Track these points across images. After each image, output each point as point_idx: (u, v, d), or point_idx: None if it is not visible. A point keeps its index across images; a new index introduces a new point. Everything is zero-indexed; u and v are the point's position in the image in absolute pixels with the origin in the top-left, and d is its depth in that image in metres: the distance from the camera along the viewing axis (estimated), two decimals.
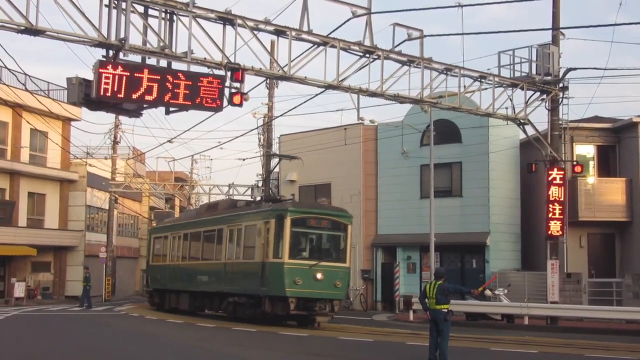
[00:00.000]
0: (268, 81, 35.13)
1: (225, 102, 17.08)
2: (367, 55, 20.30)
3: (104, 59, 15.88)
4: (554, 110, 24.98)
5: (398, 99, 21.57)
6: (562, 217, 25.04)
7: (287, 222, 21.20)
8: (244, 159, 66.62)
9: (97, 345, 17.43)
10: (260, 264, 21.85)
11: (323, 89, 20.96)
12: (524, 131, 25.64)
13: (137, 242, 55.37)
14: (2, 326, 22.72)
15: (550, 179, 24.99)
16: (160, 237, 32.03)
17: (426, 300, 13.74)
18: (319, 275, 21.05)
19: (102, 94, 15.33)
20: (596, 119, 32.27)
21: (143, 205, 55.49)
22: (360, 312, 33.02)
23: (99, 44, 15.94)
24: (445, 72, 22.12)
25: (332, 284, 21.34)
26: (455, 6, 21.15)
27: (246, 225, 23.56)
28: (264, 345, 17.41)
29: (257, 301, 22.28)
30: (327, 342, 18.06)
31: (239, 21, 17.94)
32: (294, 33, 18.83)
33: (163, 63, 17.07)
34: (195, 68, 17.19)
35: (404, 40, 21.33)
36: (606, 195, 30.26)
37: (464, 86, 22.93)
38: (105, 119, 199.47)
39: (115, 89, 15.38)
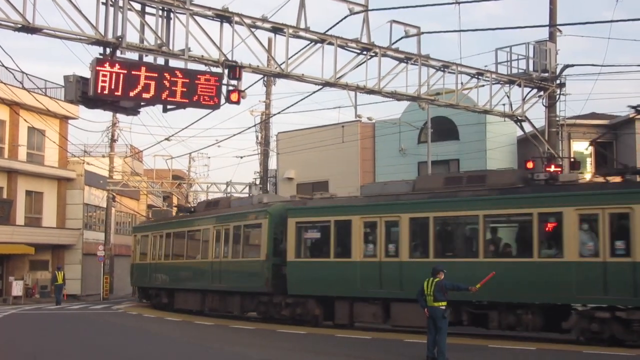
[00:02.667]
0: (265, 79, 35.17)
1: (222, 100, 17.09)
2: (365, 52, 20.31)
3: (101, 57, 15.88)
4: (551, 107, 24.98)
5: (395, 96, 21.58)
6: None
7: None
8: (241, 157, 66.79)
9: (97, 343, 17.45)
10: None
11: (320, 87, 20.99)
12: (521, 128, 25.65)
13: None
14: (1, 325, 22.74)
15: None
16: (321, 223, 21.42)
17: (423, 297, 13.79)
18: None
19: (99, 91, 15.32)
20: (593, 115, 32.28)
21: (141, 204, 55.45)
22: None
23: (96, 42, 15.94)
24: (442, 69, 22.14)
25: None
26: (452, 3, 21.09)
27: None
28: (264, 343, 17.43)
29: None
30: (325, 339, 18.08)
31: (236, 19, 17.95)
32: (291, 30, 18.84)
33: (160, 61, 17.08)
34: (192, 66, 17.19)
35: (401, 38, 21.38)
36: None
37: (461, 83, 22.97)
38: (103, 117, 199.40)
39: (113, 87, 15.38)
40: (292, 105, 62.74)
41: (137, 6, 16.51)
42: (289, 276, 21.66)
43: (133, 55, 16.68)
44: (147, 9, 16.74)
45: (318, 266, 21.24)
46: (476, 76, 23.18)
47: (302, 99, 36.43)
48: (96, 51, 16.40)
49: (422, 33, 21.62)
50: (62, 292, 35.38)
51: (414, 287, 16.75)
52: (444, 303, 13.58)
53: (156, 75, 15.93)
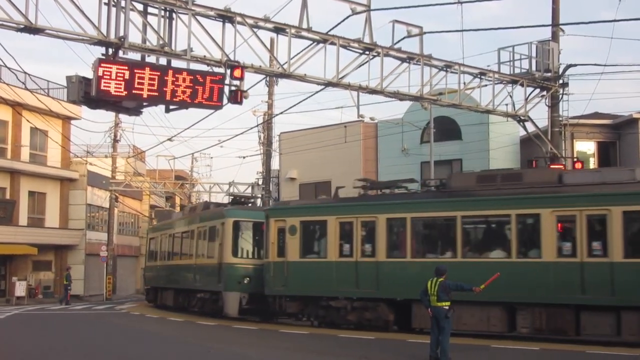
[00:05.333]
0: (268, 79, 35.14)
1: (225, 100, 17.08)
2: (367, 52, 20.28)
3: (104, 57, 15.88)
4: (554, 106, 24.93)
5: (398, 96, 21.55)
6: None
7: None
8: (244, 157, 66.51)
9: (97, 343, 17.45)
10: None
11: (323, 87, 20.96)
12: (524, 128, 25.62)
13: (137, 240, 55.36)
14: (4, 325, 22.75)
15: None
16: None
17: (427, 297, 13.78)
18: None
19: (101, 92, 15.33)
20: (596, 115, 32.25)
21: (143, 204, 55.51)
22: None
23: (99, 42, 15.94)
24: (445, 69, 22.11)
25: None
26: (455, 2, 21.08)
27: None
28: (265, 343, 17.41)
29: None
30: (327, 339, 18.05)
31: (239, 19, 17.93)
32: (293, 30, 18.83)
33: (162, 61, 17.06)
34: (194, 66, 17.17)
35: (404, 37, 21.36)
36: None
37: (464, 83, 22.94)
38: (105, 117, 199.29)
39: (115, 87, 15.38)
40: (295, 105, 62.90)
41: (139, 6, 16.51)
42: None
43: (135, 56, 16.68)
44: (149, 9, 16.74)
45: None
46: (479, 76, 23.14)
47: (304, 99, 36.84)
48: (98, 51, 16.46)
49: (425, 33, 21.60)
50: (66, 291, 35.69)
51: None
52: (448, 303, 13.56)
53: (158, 75, 15.92)
